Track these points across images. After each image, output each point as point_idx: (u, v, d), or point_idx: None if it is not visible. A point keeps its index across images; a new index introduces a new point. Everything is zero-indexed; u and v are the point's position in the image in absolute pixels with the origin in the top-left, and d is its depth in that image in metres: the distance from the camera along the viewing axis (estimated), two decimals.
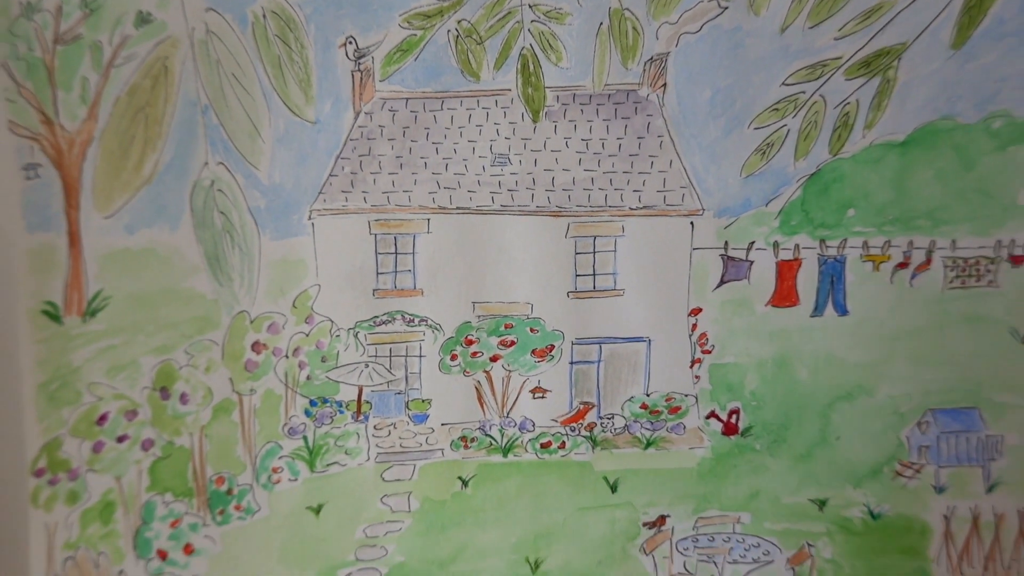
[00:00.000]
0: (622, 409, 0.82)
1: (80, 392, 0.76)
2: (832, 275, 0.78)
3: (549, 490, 0.81)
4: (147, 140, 0.76)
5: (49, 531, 0.77)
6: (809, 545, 0.80)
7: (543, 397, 0.82)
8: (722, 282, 0.79)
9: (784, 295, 0.78)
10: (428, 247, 0.80)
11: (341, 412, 0.82)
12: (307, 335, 0.80)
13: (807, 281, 0.78)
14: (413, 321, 0.81)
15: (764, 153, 0.75)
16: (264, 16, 0.74)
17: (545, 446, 0.82)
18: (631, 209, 0.78)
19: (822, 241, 0.77)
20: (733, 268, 0.79)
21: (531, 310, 0.81)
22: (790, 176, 0.76)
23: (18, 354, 0.75)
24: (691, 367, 0.80)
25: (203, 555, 0.79)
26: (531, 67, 0.75)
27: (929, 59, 0.72)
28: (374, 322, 0.81)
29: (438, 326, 0.81)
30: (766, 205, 0.77)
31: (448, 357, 0.81)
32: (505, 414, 0.82)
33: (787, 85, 0.74)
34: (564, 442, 0.82)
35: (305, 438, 0.81)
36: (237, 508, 0.80)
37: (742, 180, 0.76)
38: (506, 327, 0.81)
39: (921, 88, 0.73)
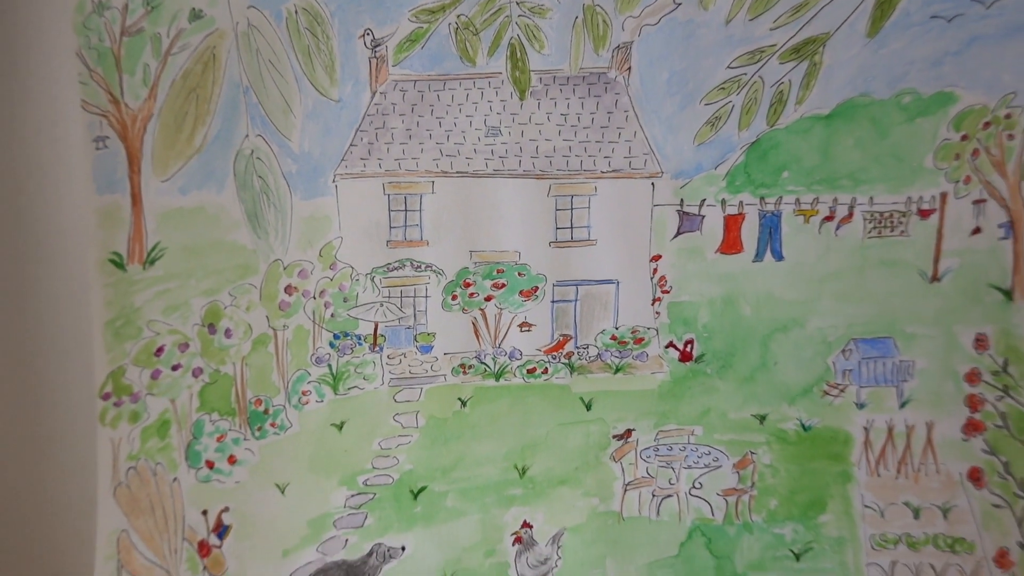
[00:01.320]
0: (595, 340, 0.87)
1: (141, 328, 0.83)
2: (770, 227, 0.84)
3: (534, 409, 0.87)
4: (198, 116, 0.82)
5: (114, 445, 0.83)
6: (751, 453, 0.85)
7: (529, 330, 0.87)
8: (678, 233, 0.85)
9: (730, 244, 0.84)
10: (433, 205, 0.86)
11: (360, 344, 0.87)
12: (331, 279, 0.86)
13: (749, 232, 0.84)
14: (420, 267, 0.87)
15: (713, 125, 0.82)
16: (296, 12, 0.81)
17: (531, 372, 0.87)
18: (602, 172, 0.84)
19: (762, 198, 0.83)
20: (687, 221, 0.84)
21: (519, 257, 0.86)
22: (735, 144, 0.82)
23: (89, 296, 0.83)
24: (652, 304, 0.86)
25: (244, 465, 0.85)
26: (518, 54, 0.81)
27: (848, 46, 0.79)
28: (387, 268, 0.86)
29: (441, 271, 0.87)
30: (715, 168, 0.83)
31: (449, 297, 0.87)
32: (497, 345, 0.88)
33: (731, 68, 0.80)
34: (547, 368, 0.87)
35: (329, 366, 0.87)
36: (272, 425, 0.86)
37: (695, 147, 0.83)
38: (498, 272, 0.86)
39: (842, 70, 0.79)
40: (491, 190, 0.85)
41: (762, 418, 0.85)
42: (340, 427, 0.87)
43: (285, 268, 0.85)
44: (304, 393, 0.87)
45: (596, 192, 0.85)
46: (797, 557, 0.83)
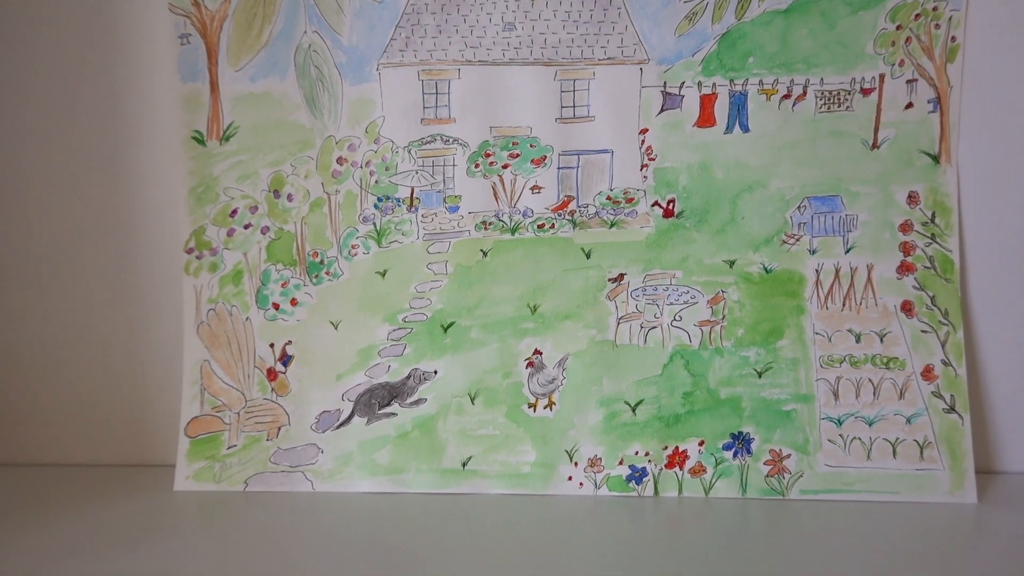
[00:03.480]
0: (593, 200, 0.93)
1: (218, 194, 0.93)
2: (738, 104, 0.90)
3: (543, 258, 0.93)
4: (265, 16, 0.91)
5: (197, 291, 0.94)
6: (722, 291, 0.91)
7: (539, 192, 0.93)
8: (662, 110, 0.91)
9: (705, 119, 0.91)
10: (459, 88, 0.92)
11: (399, 205, 0.94)
12: (375, 152, 0.93)
13: (721, 109, 0.90)
14: (449, 141, 0.93)
15: (691, 19, 0.89)
16: None
17: (540, 227, 0.93)
18: (599, 60, 0.90)
19: (731, 80, 0.90)
20: (670, 100, 0.91)
21: (530, 131, 0.92)
22: (709, 35, 0.89)
23: (175, 168, 0.93)
24: (641, 170, 0.92)
25: (304, 306, 0.95)
26: None
27: None
28: (422, 142, 0.93)
29: (466, 144, 0.93)
30: (692, 56, 0.90)
31: (473, 165, 0.93)
32: (512, 205, 0.94)
33: None
34: (553, 224, 0.93)
35: (374, 224, 0.94)
36: (327, 273, 0.94)
37: (676, 38, 0.90)
38: (513, 144, 0.92)
39: None
40: (507, 76, 0.92)
41: (731, 263, 0.91)
42: (383, 274, 0.94)
43: (337, 143, 0.94)
44: (353, 247, 0.94)
45: (594, 76, 0.91)
46: (759, 375, 0.89)
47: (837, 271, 0.91)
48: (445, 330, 0.94)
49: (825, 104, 0.90)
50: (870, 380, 0.90)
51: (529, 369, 0.93)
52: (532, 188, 0.94)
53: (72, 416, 1.02)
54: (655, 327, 0.93)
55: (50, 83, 0.98)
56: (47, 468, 1.02)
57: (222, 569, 0.73)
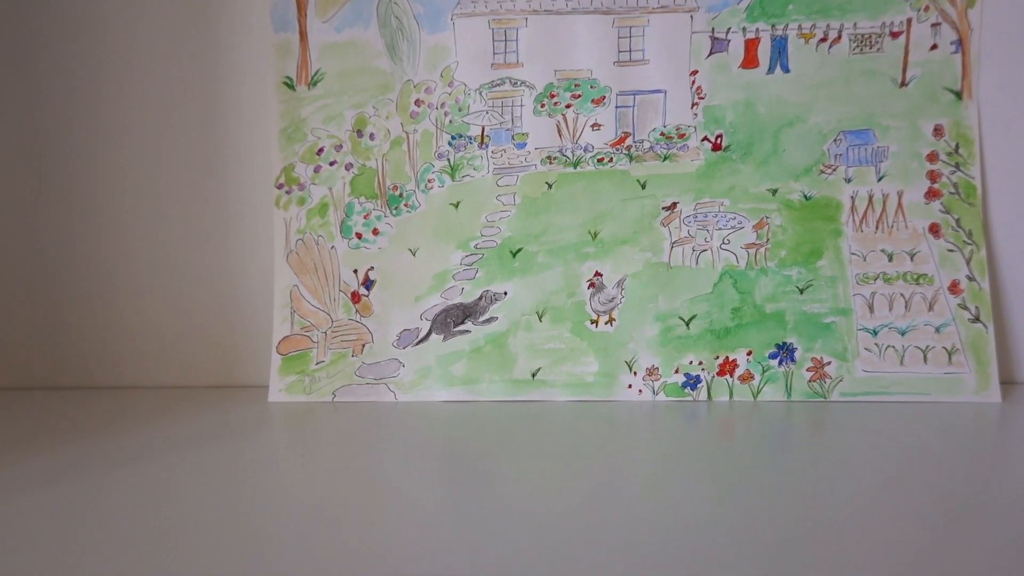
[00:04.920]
0: (648, 136, 0.99)
1: (306, 134, 1.00)
2: (780, 47, 0.97)
3: (602, 189, 0.99)
4: None
5: (287, 223, 1.00)
6: (766, 217, 0.97)
7: (599, 129, 0.99)
8: (710, 53, 0.98)
9: (750, 60, 0.97)
10: (526, 36, 0.99)
11: (471, 143, 1.00)
12: (450, 94, 1.00)
13: (764, 51, 0.97)
14: (517, 83, 0.99)
15: None
16: None
17: (600, 161, 0.99)
18: (653, 8, 0.97)
19: (773, 25, 0.96)
20: (718, 44, 0.97)
21: (591, 74, 0.98)
22: None
23: (267, 110, 1.00)
24: (691, 108, 0.98)
25: (384, 235, 1.01)
26: None
27: None
28: (492, 84, 0.99)
29: (532, 86, 0.99)
30: (738, 4, 0.97)
31: (539, 105, 0.99)
32: (575, 141, 0.99)
33: None
34: (612, 158, 0.99)
35: (448, 159, 1.01)
36: (406, 205, 1.01)
37: None
38: (575, 85, 0.98)
39: None
40: (570, 23, 0.98)
41: (774, 191, 0.97)
42: (457, 206, 1.00)
43: (415, 86, 1.00)
44: (429, 181, 1.01)
45: (649, 23, 0.97)
46: (801, 291, 0.96)
47: (870, 197, 0.98)
48: (513, 255, 1.00)
49: (858, 46, 0.97)
50: (902, 295, 0.96)
51: (591, 289, 0.99)
52: (592, 125, 1.00)
53: (172, 341, 1.09)
54: (705, 250, 0.99)
55: (155, 36, 1.06)
56: (149, 390, 1.09)
57: (314, 467, 0.79)
